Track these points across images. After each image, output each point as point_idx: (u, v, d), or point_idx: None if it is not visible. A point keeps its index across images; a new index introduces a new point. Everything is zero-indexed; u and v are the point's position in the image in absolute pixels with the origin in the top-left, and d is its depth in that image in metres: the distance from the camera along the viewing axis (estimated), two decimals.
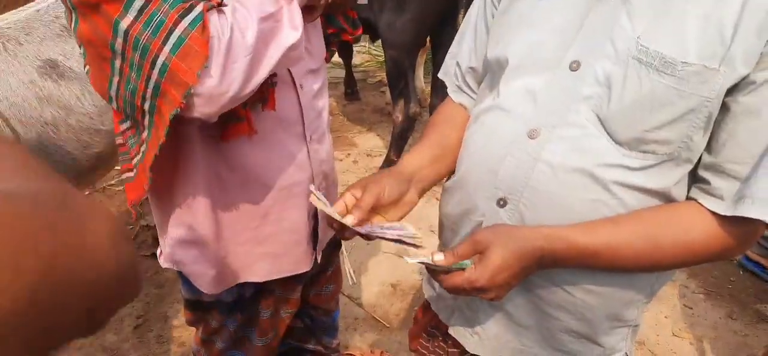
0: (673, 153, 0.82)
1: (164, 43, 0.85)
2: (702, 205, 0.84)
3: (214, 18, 0.87)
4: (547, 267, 0.86)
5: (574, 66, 0.86)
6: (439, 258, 0.84)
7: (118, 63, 0.90)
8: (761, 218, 0.78)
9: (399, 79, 3.29)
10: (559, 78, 0.88)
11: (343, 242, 1.34)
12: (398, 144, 3.48)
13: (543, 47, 0.91)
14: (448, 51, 1.16)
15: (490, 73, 1.02)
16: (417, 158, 1.06)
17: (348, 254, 2.84)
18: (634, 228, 0.84)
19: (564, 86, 0.87)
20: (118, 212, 3.11)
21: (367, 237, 0.92)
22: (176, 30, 0.84)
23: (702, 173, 0.84)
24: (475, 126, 1.02)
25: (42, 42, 1.78)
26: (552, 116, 0.88)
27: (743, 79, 0.77)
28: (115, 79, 0.93)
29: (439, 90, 3.26)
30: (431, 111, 3.36)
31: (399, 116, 3.38)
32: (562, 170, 0.86)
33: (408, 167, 1.03)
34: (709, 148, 0.83)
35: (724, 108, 0.79)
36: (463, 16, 3.18)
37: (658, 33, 0.80)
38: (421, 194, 1.04)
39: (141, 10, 0.84)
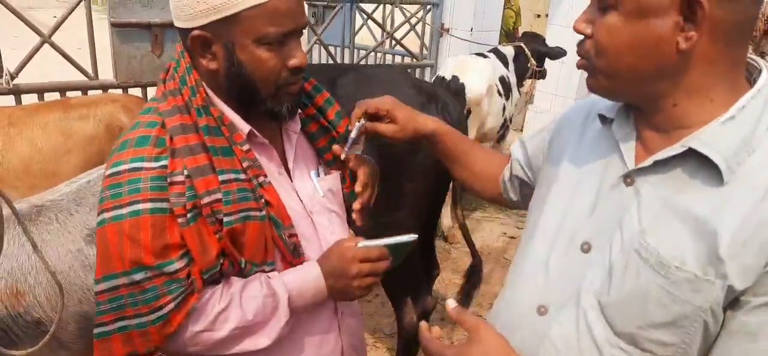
0: None
1: (134, 317, 1.05)
2: None
3: (198, 308, 1.06)
4: None
5: (585, 248, 0.87)
6: (452, 304, 0.90)
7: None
8: None
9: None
10: (571, 257, 0.89)
11: None
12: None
13: (562, 219, 0.92)
14: (522, 135, 1.26)
15: (535, 197, 1.06)
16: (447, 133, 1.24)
17: None
18: None
19: (574, 266, 0.88)
20: None
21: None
22: (143, 317, 1.05)
23: None
24: (516, 261, 1.03)
25: (91, 211, 1.87)
26: (560, 294, 0.88)
27: (742, 295, 0.71)
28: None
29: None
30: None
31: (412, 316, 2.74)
32: (567, 353, 0.85)
33: (430, 126, 1.22)
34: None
35: (725, 320, 0.74)
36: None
37: (660, 230, 0.78)
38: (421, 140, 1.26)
39: (130, 284, 1.04)
